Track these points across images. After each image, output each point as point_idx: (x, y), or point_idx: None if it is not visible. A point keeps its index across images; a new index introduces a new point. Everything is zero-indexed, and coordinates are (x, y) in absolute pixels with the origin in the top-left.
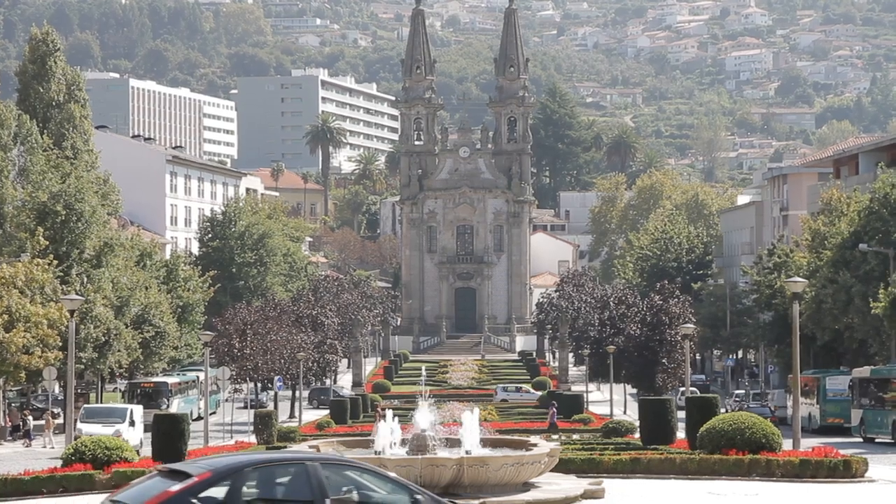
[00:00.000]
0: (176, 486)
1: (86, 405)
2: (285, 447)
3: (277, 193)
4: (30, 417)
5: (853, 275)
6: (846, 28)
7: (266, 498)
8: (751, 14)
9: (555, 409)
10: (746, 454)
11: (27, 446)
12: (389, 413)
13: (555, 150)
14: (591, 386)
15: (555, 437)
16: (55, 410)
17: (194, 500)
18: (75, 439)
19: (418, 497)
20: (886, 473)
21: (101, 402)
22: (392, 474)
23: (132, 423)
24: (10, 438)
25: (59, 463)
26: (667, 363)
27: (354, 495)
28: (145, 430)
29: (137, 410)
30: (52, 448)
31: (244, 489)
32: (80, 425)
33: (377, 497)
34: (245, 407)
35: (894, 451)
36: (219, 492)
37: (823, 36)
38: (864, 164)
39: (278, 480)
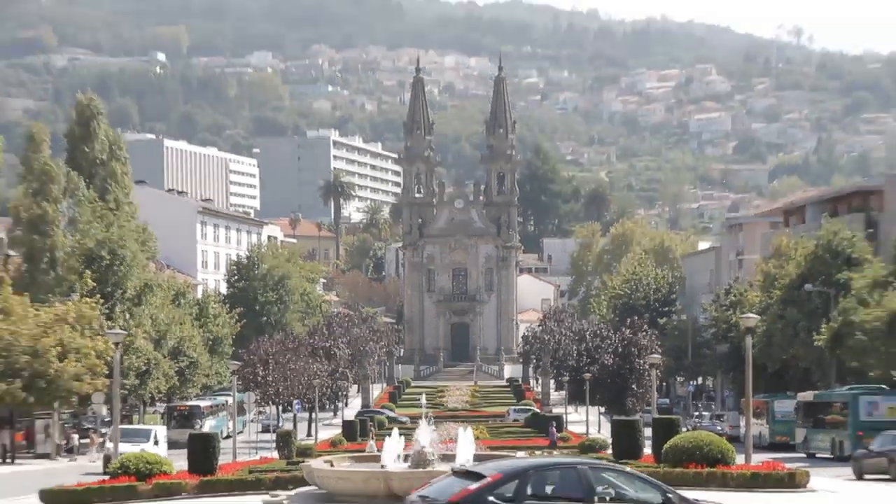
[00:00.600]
0: (474, 485)
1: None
2: (303, 461)
3: (295, 240)
4: (75, 436)
5: (799, 312)
6: (796, 94)
7: (545, 495)
8: (712, 81)
9: (554, 429)
10: (705, 467)
11: (73, 461)
12: (396, 432)
13: (539, 201)
14: (570, 408)
15: (538, 452)
16: (102, 430)
17: (490, 497)
18: (106, 457)
19: (669, 496)
20: (826, 484)
21: (143, 424)
22: (643, 475)
23: (156, 443)
24: (64, 455)
25: (106, 476)
26: (636, 388)
27: (612, 492)
28: (179, 448)
29: (161, 431)
30: (96, 463)
31: (528, 488)
32: (108, 444)
33: (630, 495)
34: (264, 431)
35: (833, 465)
36: (508, 489)
37: (776, 101)
38: (810, 215)
39: (555, 481)
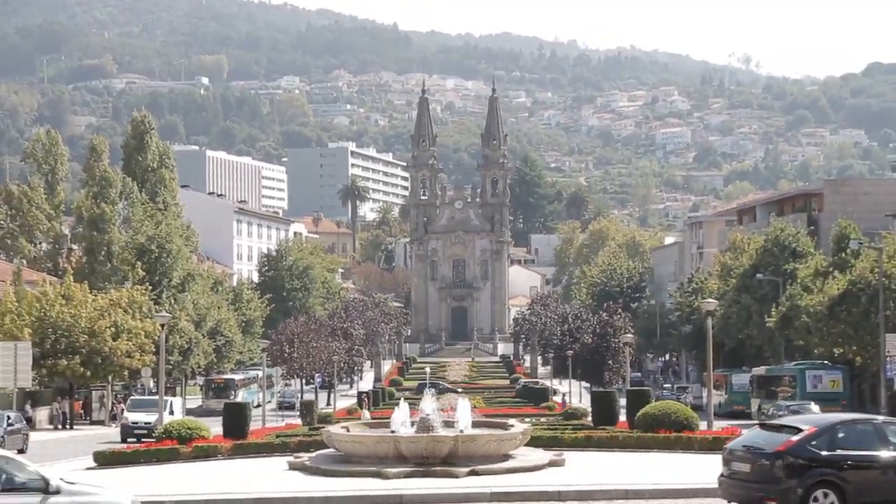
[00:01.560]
0: (795, 437)
1: (132, 397)
2: (323, 427)
3: (318, 236)
4: (120, 406)
5: (752, 297)
6: (746, 111)
7: (850, 446)
8: (674, 101)
9: (564, 396)
10: (672, 433)
11: (115, 427)
12: (403, 402)
13: (527, 202)
14: (555, 381)
15: (527, 420)
16: (122, 398)
17: (809, 446)
18: (123, 426)
19: None
20: None
21: (185, 395)
22: None
23: (171, 412)
24: (116, 423)
25: (123, 444)
26: (612, 364)
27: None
28: (215, 416)
29: (177, 402)
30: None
31: (837, 439)
32: (126, 413)
33: None
34: (283, 408)
35: None
36: (822, 441)
37: (729, 117)
38: (760, 214)
39: (856, 433)
